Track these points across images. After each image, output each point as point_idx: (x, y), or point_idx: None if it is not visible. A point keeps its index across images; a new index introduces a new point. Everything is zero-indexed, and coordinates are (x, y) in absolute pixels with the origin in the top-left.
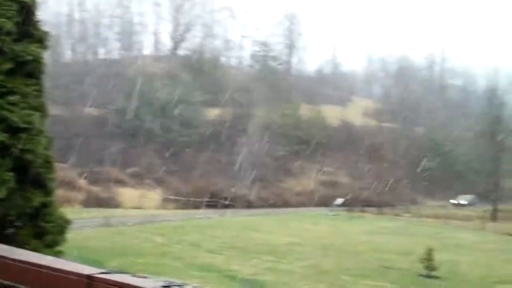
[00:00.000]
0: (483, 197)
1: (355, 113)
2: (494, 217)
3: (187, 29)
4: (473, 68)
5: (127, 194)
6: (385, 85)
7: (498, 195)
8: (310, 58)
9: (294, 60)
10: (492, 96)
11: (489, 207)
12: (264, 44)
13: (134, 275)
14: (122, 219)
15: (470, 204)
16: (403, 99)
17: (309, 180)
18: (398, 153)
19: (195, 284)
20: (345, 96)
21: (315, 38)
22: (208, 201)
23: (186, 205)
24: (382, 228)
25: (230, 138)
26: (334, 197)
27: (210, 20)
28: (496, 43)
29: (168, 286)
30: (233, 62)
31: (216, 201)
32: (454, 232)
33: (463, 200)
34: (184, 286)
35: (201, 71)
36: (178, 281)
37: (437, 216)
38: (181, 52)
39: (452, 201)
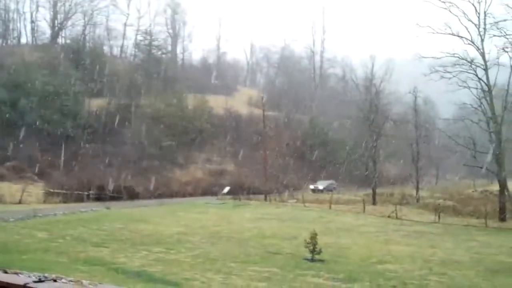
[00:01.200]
0: (355, 182)
1: (241, 102)
2: (373, 200)
3: (67, 17)
4: (351, 57)
5: (6, 188)
6: (268, 74)
7: (376, 180)
8: (195, 48)
9: (179, 49)
10: (369, 84)
11: (362, 192)
12: (147, 33)
13: (5, 271)
14: (1, 215)
15: (328, 189)
16: (286, 88)
17: (196, 169)
18: (283, 141)
19: (71, 278)
20: (231, 86)
21: (200, 28)
22: (93, 194)
23: (70, 199)
24: (268, 215)
25: (115, 129)
26: (222, 186)
27: (91, 8)
28: (372, 33)
29: (41, 281)
30: (116, 51)
31: (101, 194)
32: (337, 216)
33: (321, 185)
34: (58, 280)
35: (82, 61)
36: (52, 275)
37: (320, 202)
38: (61, 41)
39: (311, 186)
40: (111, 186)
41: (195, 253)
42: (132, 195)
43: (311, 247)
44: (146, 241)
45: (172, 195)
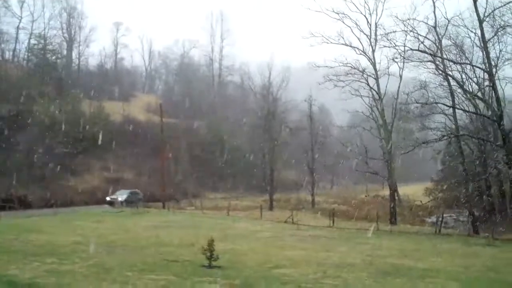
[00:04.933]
0: (253, 188)
1: (138, 109)
2: (271, 206)
3: None
4: (249, 65)
5: None
6: (167, 81)
7: (273, 186)
8: (92, 53)
9: (75, 54)
10: (266, 92)
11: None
12: (41, 36)
13: None
14: None
15: (131, 201)
16: (184, 95)
17: (93, 177)
18: (182, 148)
19: None
20: (128, 92)
21: (97, 33)
22: None
23: None
24: (166, 222)
25: (6, 136)
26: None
27: None
28: (269, 41)
29: None
30: (8, 55)
31: None
32: (235, 223)
33: (120, 196)
34: None
35: None
36: None
37: (218, 208)
38: None
39: (107, 198)
40: (2, 195)
41: (90, 263)
42: (25, 205)
43: (208, 254)
44: (39, 252)
45: (67, 204)
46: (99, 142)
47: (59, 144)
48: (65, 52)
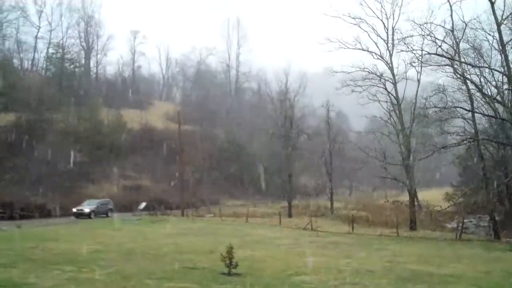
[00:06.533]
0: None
1: (156, 116)
2: (289, 213)
3: None
4: (266, 71)
5: None
6: (184, 88)
7: (292, 192)
8: (109, 61)
9: (93, 63)
10: (283, 98)
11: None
12: (59, 46)
13: None
14: None
15: (100, 212)
16: (202, 102)
17: (112, 185)
18: (200, 155)
19: None
20: (146, 100)
21: (114, 41)
22: (2, 213)
23: None
24: (185, 230)
25: (26, 144)
26: (138, 202)
27: (0, 20)
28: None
29: None
30: (27, 64)
31: (12, 212)
32: (253, 230)
33: (88, 207)
34: None
35: None
36: None
37: (237, 215)
38: None
39: (74, 209)
40: (22, 204)
41: (109, 271)
42: (45, 213)
43: (228, 261)
44: (59, 260)
45: None
46: (117, 150)
47: (78, 152)
48: (83, 61)
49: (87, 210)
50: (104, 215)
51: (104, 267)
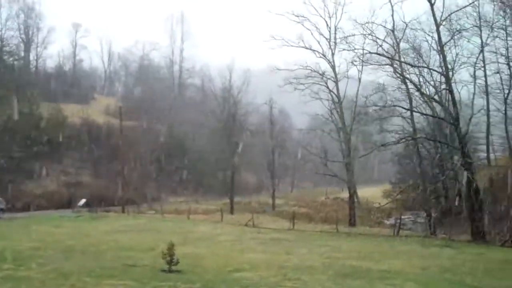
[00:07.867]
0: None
1: (98, 111)
2: (231, 209)
3: None
4: (209, 67)
5: None
6: (127, 83)
7: (234, 189)
8: (50, 55)
9: (32, 56)
10: (227, 95)
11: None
12: None
13: None
14: None
15: None
16: (144, 97)
17: (51, 181)
18: (142, 151)
19: None
20: (87, 94)
21: (55, 34)
22: None
23: None
24: (125, 226)
25: None
26: (78, 198)
27: None
28: (230, 43)
29: None
30: None
31: None
32: (195, 226)
33: None
34: None
35: None
36: None
37: (179, 212)
38: None
39: None
40: None
41: (47, 268)
42: None
43: (168, 258)
44: None
45: (24, 208)
46: (57, 145)
47: (15, 147)
48: (22, 53)
49: None
50: None
51: (43, 264)
